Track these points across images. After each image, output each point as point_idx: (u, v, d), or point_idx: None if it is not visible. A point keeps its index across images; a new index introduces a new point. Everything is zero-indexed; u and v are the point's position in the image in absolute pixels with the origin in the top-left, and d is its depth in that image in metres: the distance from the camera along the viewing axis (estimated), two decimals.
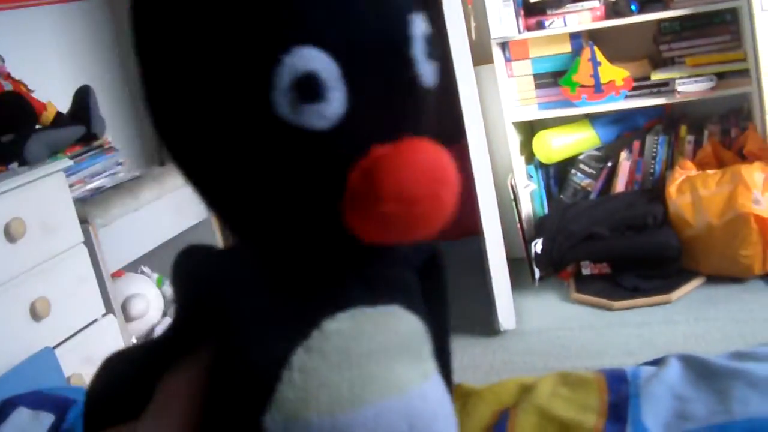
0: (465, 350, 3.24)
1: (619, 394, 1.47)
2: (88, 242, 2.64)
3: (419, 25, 0.77)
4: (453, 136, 2.94)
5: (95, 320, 2.62)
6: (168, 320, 3.02)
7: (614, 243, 3.44)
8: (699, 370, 1.49)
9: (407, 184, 0.72)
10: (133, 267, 3.15)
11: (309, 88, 0.71)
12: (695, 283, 3.36)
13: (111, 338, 2.63)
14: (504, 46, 3.71)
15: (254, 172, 0.76)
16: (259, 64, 0.71)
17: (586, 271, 3.54)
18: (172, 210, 3.21)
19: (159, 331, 2.81)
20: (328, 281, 0.79)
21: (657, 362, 1.58)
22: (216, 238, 3.56)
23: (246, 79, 0.72)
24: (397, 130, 0.76)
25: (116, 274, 2.91)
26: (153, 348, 0.86)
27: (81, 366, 2.43)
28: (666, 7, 3.51)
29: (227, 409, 0.77)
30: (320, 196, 0.75)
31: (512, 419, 1.48)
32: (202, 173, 0.80)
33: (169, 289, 3.27)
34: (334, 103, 0.71)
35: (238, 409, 0.76)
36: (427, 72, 0.78)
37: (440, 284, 0.92)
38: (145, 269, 3.25)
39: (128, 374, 0.84)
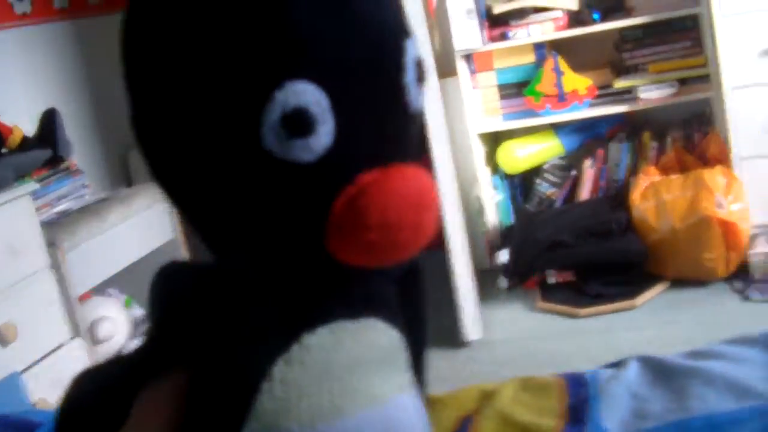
0: (432, 362, 3.23)
1: (578, 397, 1.50)
2: (55, 265, 2.64)
3: (411, 51, 0.79)
4: (419, 150, 2.95)
5: (62, 344, 2.61)
6: (136, 342, 3.01)
7: (579, 251, 3.46)
8: (656, 370, 1.52)
9: (391, 213, 0.74)
10: (101, 289, 3.15)
11: (298, 123, 0.72)
12: (660, 287, 3.40)
13: (79, 362, 2.62)
14: (468, 58, 3.75)
15: (240, 199, 0.78)
16: (251, 100, 0.72)
17: (551, 280, 3.56)
18: (139, 231, 3.22)
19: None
20: (309, 296, 0.80)
21: (617, 364, 1.61)
22: (184, 258, 3.56)
23: (237, 113, 0.73)
24: (384, 157, 0.77)
25: (83, 297, 2.90)
26: (127, 364, 0.86)
27: (48, 390, 2.42)
28: (627, 15, 3.57)
29: (207, 422, 0.78)
30: (304, 223, 0.76)
31: (474, 425, 1.50)
32: (189, 197, 0.82)
33: (137, 311, 3.27)
34: (322, 137, 0.73)
35: (218, 421, 0.77)
36: (416, 97, 0.80)
37: (418, 296, 0.94)
38: (113, 291, 3.25)
39: (102, 390, 0.84)
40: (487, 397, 1.58)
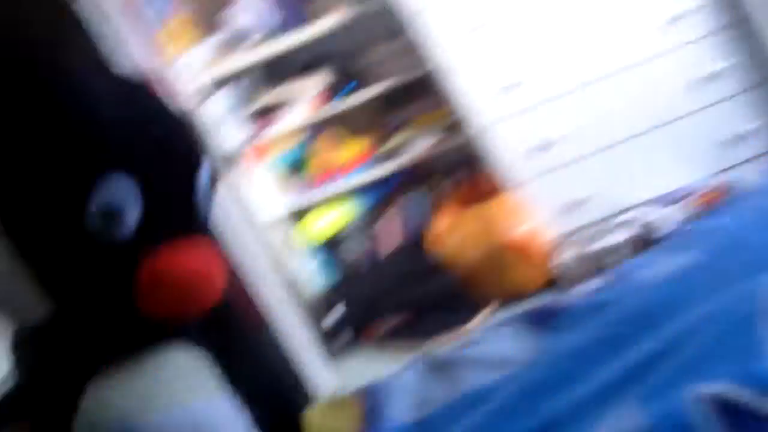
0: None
1: (371, 404, 1.67)
2: None
3: (204, 174, 1.01)
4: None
5: None
6: None
7: (404, 295, 3.65)
8: (431, 365, 1.72)
9: (184, 283, 0.94)
10: None
11: (112, 209, 0.89)
12: (488, 310, 3.54)
13: None
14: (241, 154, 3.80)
15: (69, 272, 0.95)
16: (75, 193, 0.88)
17: (387, 326, 3.69)
18: None
19: None
20: (122, 334, 0.99)
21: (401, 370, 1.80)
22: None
23: (62, 203, 0.90)
24: (180, 231, 0.97)
25: None
26: None
27: None
28: (373, 83, 3.75)
29: None
30: (115, 287, 0.96)
31: None
32: (30, 263, 0.97)
33: None
34: (130, 222, 0.92)
35: None
36: (203, 193, 1.02)
37: (231, 331, 1.17)
38: None
39: None
40: None
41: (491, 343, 1.68)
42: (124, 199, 0.89)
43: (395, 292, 3.65)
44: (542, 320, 1.67)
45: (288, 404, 1.23)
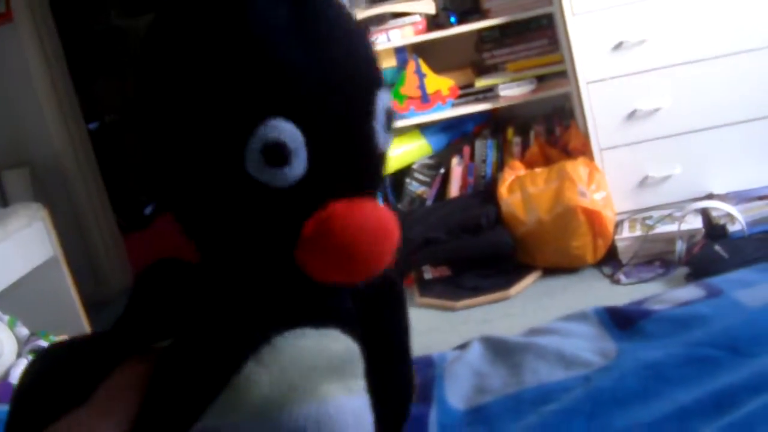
0: None
1: (425, 377, 1.57)
2: None
3: (382, 101, 0.90)
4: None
5: None
6: (23, 362, 2.98)
7: (451, 246, 3.54)
8: (496, 348, 1.61)
9: (352, 239, 0.84)
10: None
11: (274, 155, 0.82)
12: (532, 277, 3.49)
13: None
14: None
15: (224, 213, 0.88)
16: (237, 131, 0.82)
17: (427, 276, 3.62)
18: (18, 251, 3.20)
19: (15, 374, 2.78)
20: (280, 302, 0.90)
21: (463, 346, 1.69)
22: (64, 275, 3.54)
23: (224, 141, 0.83)
24: (352, 189, 0.88)
25: None
26: (97, 342, 0.95)
27: None
28: (484, 17, 3.66)
29: (170, 407, 0.86)
30: (278, 238, 0.87)
31: None
32: (183, 209, 0.92)
33: (22, 330, 3.23)
34: (295, 169, 0.84)
35: (181, 408, 0.86)
36: (383, 140, 0.91)
37: (395, 310, 1.07)
38: None
39: (64, 367, 0.93)
40: None
41: (566, 336, 1.56)
42: (288, 142, 0.84)
43: (443, 241, 3.55)
44: (625, 322, 1.55)
45: (406, 406, 1.15)
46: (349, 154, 0.88)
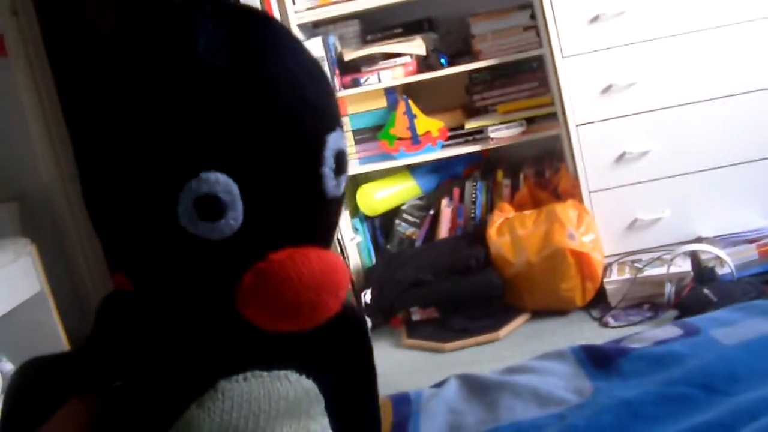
0: None
1: (401, 414, 1.56)
2: None
3: (333, 144, 0.87)
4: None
5: None
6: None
7: (440, 287, 3.52)
8: (472, 385, 1.60)
9: (292, 290, 0.82)
10: None
11: (207, 208, 0.80)
12: (521, 319, 3.45)
13: None
14: None
15: (161, 265, 0.87)
16: (166, 186, 0.80)
17: (415, 317, 3.59)
18: (4, 286, 3.18)
19: None
20: (230, 347, 0.88)
21: (440, 384, 1.68)
22: (50, 310, 3.52)
23: (156, 196, 0.81)
24: (296, 238, 0.85)
25: None
26: (63, 366, 0.96)
27: None
28: (475, 59, 3.67)
29: None
30: (217, 290, 0.85)
31: None
32: (123, 258, 0.90)
33: (5, 365, 3.21)
34: (231, 221, 0.81)
35: None
36: (332, 185, 0.88)
37: (359, 349, 1.06)
38: None
39: (39, 384, 0.94)
40: None
41: (542, 374, 1.55)
42: (221, 196, 0.81)
43: (431, 283, 3.53)
44: (602, 361, 1.54)
45: None
46: (290, 204, 0.85)
